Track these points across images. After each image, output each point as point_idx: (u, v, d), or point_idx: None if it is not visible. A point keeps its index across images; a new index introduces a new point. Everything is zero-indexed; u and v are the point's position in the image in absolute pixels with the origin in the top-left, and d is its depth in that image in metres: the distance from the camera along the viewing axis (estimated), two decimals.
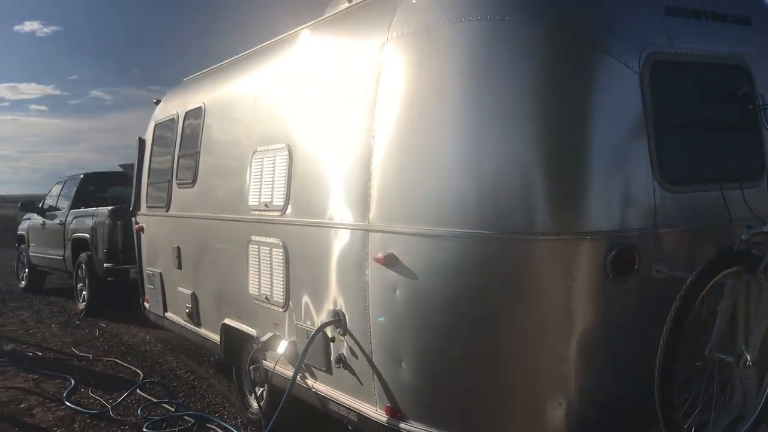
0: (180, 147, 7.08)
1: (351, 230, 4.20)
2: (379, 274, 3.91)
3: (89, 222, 10.98)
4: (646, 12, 3.71)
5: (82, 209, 11.64)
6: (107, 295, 10.81)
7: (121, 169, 11.81)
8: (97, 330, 9.82)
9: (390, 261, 3.81)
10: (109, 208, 10.63)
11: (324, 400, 4.55)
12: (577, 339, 3.43)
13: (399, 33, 3.99)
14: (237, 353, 5.88)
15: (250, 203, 5.41)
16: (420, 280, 3.72)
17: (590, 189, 3.43)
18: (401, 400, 3.87)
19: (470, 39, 3.68)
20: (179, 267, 6.95)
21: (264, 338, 5.15)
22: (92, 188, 12.62)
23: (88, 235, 10.95)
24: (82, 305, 11.20)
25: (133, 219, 8.48)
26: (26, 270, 13.96)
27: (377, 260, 3.87)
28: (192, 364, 7.86)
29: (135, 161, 8.43)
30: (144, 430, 5.66)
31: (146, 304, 8.19)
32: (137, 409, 6.13)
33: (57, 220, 12.34)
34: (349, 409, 4.27)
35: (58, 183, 13.49)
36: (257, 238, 5.28)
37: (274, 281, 5.05)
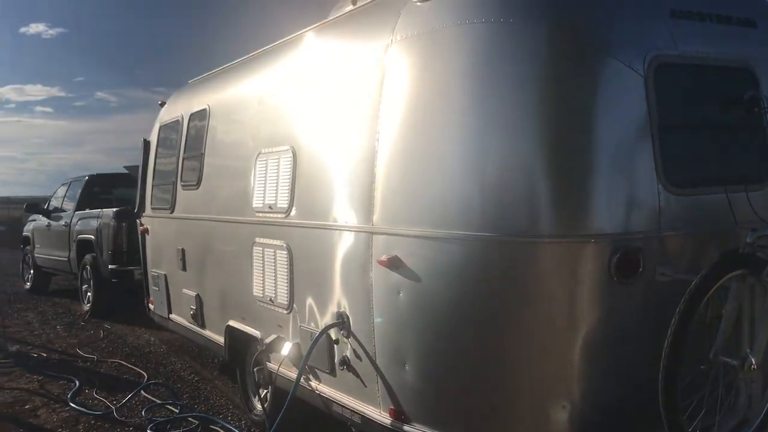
0: (185, 149, 7.09)
1: (355, 232, 4.20)
2: (383, 276, 3.91)
3: (94, 223, 11.01)
4: (651, 14, 3.70)
5: (87, 211, 11.66)
6: (112, 296, 10.82)
7: (125, 171, 11.84)
8: (101, 331, 9.83)
9: (394, 263, 3.81)
10: (114, 209, 10.65)
11: (327, 402, 4.55)
12: (581, 342, 3.42)
13: (403, 36, 4.00)
14: (241, 355, 5.88)
15: (254, 205, 5.42)
16: (424, 282, 3.72)
17: (594, 192, 3.42)
18: (405, 403, 3.86)
19: (474, 42, 3.68)
20: (184, 269, 6.96)
21: (268, 340, 5.15)
22: (97, 190, 12.64)
23: (93, 237, 10.97)
24: (86, 307, 11.22)
25: (137, 220, 8.49)
26: (31, 271, 13.99)
27: (381, 262, 3.87)
28: (196, 366, 7.86)
29: (140, 163, 8.45)
30: (148, 431, 5.67)
31: (151, 306, 8.20)
32: (141, 411, 6.14)
33: (62, 222, 12.36)
34: (353, 411, 4.26)
35: (63, 184, 13.51)
36: (261, 240, 5.29)
37: (278, 283, 5.05)
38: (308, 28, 5.40)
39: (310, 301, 4.69)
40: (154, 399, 6.49)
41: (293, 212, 4.88)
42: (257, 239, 5.34)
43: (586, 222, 3.40)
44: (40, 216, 13.45)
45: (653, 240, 3.49)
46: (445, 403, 3.78)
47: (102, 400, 6.51)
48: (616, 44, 3.53)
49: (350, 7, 5.06)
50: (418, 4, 3.98)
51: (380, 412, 4.03)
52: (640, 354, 3.46)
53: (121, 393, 6.64)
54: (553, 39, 3.53)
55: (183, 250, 6.93)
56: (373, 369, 4.04)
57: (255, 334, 5.44)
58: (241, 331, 5.70)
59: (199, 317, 6.66)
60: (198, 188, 6.63)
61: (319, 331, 4.45)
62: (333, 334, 4.40)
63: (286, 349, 4.89)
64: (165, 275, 7.54)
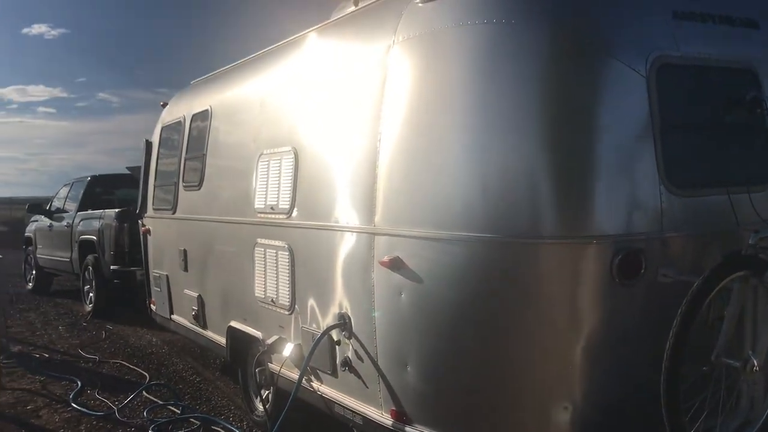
0: (187, 149, 7.10)
1: (357, 233, 4.20)
2: (385, 277, 3.90)
3: (96, 224, 11.02)
4: (653, 15, 3.70)
5: (89, 211, 11.68)
6: (114, 297, 10.84)
7: (128, 172, 11.85)
8: (103, 332, 9.84)
9: (396, 264, 3.80)
10: (116, 210, 10.67)
11: (329, 403, 4.55)
12: (582, 343, 3.41)
13: (405, 36, 3.99)
14: (243, 356, 5.89)
15: (256, 206, 5.42)
16: (426, 283, 3.71)
17: (596, 193, 3.42)
18: (406, 404, 3.86)
19: (476, 42, 3.68)
20: (185, 269, 6.96)
21: (270, 341, 5.15)
22: (99, 190, 12.67)
23: (95, 237, 10.99)
24: (88, 307, 11.24)
25: (139, 221, 8.50)
26: (33, 272, 14.01)
27: (383, 263, 3.87)
28: (198, 367, 7.87)
29: (142, 164, 8.46)
30: None
31: (153, 307, 8.21)
32: (143, 411, 6.14)
33: (64, 222, 12.38)
34: (355, 412, 4.26)
35: (65, 185, 13.54)
36: (263, 241, 5.29)
37: (279, 284, 5.05)
38: (310, 29, 5.40)
39: (311, 302, 4.69)
40: (155, 400, 6.50)
41: (295, 213, 4.88)
42: (259, 240, 5.34)
43: (588, 223, 3.40)
44: (43, 217, 13.47)
45: (655, 241, 3.49)
46: (447, 404, 3.77)
47: (104, 401, 6.51)
48: (617, 45, 3.52)
49: (352, 8, 5.06)
50: (420, 5, 3.98)
51: (382, 413, 4.03)
52: (642, 355, 3.45)
53: (123, 394, 6.64)
54: (554, 40, 3.53)
55: (185, 251, 6.94)
56: (375, 370, 4.04)
57: (256, 335, 5.44)
58: (243, 332, 5.70)
59: (200, 318, 6.66)
60: (200, 189, 6.63)
61: (321, 332, 4.45)
62: (335, 335, 4.40)
63: (288, 350, 4.89)
64: (167, 276, 7.55)
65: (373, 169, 4.01)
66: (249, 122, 5.84)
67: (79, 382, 7.01)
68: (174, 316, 7.50)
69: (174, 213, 7.27)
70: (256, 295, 5.39)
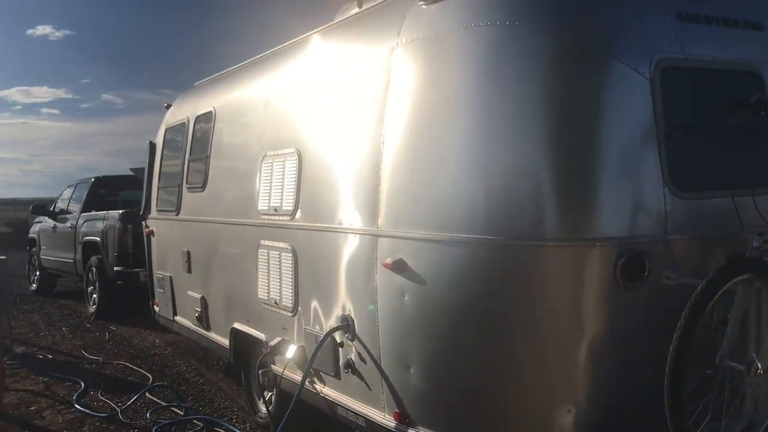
0: (190, 151, 7.11)
1: (360, 235, 4.20)
2: (388, 279, 3.90)
3: (100, 225, 11.04)
4: (657, 18, 3.69)
5: (93, 213, 11.70)
6: (117, 298, 10.85)
7: (131, 173, 11.88)
8: (107, 333, 9.85)
9: (399, 266, 3.80)
10: (120, 211, 10.68)
11: (332, 404, 4.54)
12: (586, 346, 3.41)
13: (409, 38, 3.99)
14: (246, 357, 5.89)
15: (259, 207, 5.42)
16: (429, 285, 3.71)
17: (600, 195, 3.41)
18: (409, 406, 3.86)
19: (480, 44, 3.68)
20: (189, 271, 6.97)
21: (273, 343, 5.15)
22: (103, 192, 12.69)
23: (98, 239, 11.00)
24: (92, 308, 11.25)
25: (143, 222, 8.51)
26: (37, 273, 14.04)
27: (386, 265, 3.87)
28: (201, 368, 7.87)
29: (146, 165, 8.47)
30: None
31: (156, 308, 8.22)
32: (146, 413, 6.15)
33: (68, 224, 12.40)
34: (357, 414, 4.26)
35: (69, 186, 13.56)
36: (266, 243, 5.29)
37: (283, 286, 5.05)
38: (314, 31, 5.41)
39: (314, 303, 4.69)
40: (159, 401, 6.50)
41: (298, 215, 4.88)
42: (262, 242, 5.35)
43: (592, 225, 3.39)
44: (46, 218, 13.50)
45: (659, 244, 3.48)
46: (450, 407, 3.77)
47: (107, 402, 6.52)
48: (622, 47, 3.52)
49: (356, 10, 5.07)
50: (424, 7, 3.98)
51: (385, 415, 4.03)
52: (646, 358, 3.44)
53: (126, 395, 6.65)
54: (559, 42, 3.52)
55: (188, 252, 6.94)
56: (378, 372, 4.04)
57: (260, 337, 5.44)
58: (246, 334, 5.70)
59: (204, 319, 6.67)
60: (203, 190, 6.64)
61: (324, 334, 4.45)
62: (338, 337, 4.40)
63: (291, 351, 4.89)
64: (170, 277, 7.55)
65: (377, 171, 4.01)
66: (253, 124, 5.84)
67: (82, 384, 7.02)
68: (177, 318, 7.51)
69: (177, 214, 7.28)
70: (260, 296, 5.39)
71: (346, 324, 4.29)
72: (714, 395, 3.41)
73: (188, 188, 7.05)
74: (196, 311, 6.74)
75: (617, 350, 3.45)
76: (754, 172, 3.81)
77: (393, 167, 3.93)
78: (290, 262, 4.95)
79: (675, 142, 3.52)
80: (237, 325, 5.87)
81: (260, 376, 5.53)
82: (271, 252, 5.22)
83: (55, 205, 13.58)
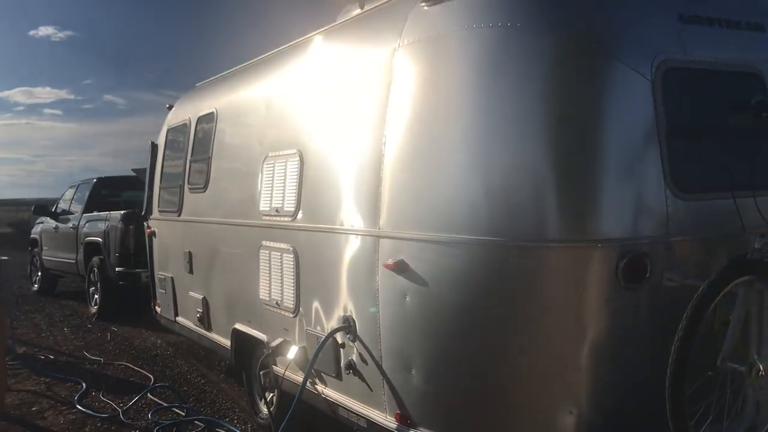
0: (192, 152, 7.11)
1: (361, 236, 4.20)
2: (389, 280, 3.90)
3: (102, 226, 11.05)
4: (659, 19, 3.69)
5: (95, 213, 11.71)
6: (119, 298, 10.86)
7: (133, 174, 11.89)
8: (108, 334, 9.86)
9: (400, 267, 3.80)
10: (122, 212, 10.69)
11: (333, 405, 4.54)
12: (587, 347, 3.41)
13: (410, 40, 4.00)
14: (247, 358, 5.89)
15: (261, 208, 5.43)
16: (430, 286, 3.71)
17: (602, 196, 3.41)
18: (411, 407, 3.86)
19: (481, 46, 3.68)
20: (190, 271, 6.98)
21: (274, 343, 5.15)
22: (105, 192, 12.69)
23: (100, 239, 11.01)
24: (94, 309, 11.26)
25: (145, 223, 8.52)
26: (39, 273, 14.05)
27: (387, 266, 3.87)
28: (202, 369, 7.87)
29: (147, 166, 8.48)
30: None
31: (157, 308, 8.22)
32: (148, 413, 6.15)
33: (70, 224, 12.41)
34: (359, 415, 4.26)
35: (71, 187, 13.57)
36: (268, 244, 5.29)
37: (284, 286, 5.06)
38: (316, 32, 5.41)
39: (316, 304, 4.69)
40: (160, 402, 6.50)
41: (300, 216, 4.88)
42: (264, 242, 5.35)
43: (593, 227, 3.39)
44: (48, 218, 13.51)
45: (660, 245, 3.48)
46: (451, 408, 3.77)
47: (109, 403, 6.52)
48: (623, 49, 3.52)
49: (358, 11, 5.07)
50: (426, 8, 3.98)
51: (386, 417, 4.03)
52: (647, 360, 3.44)
53: (128, 395, 6.65)
54: (560, 43, 3.52)
55: (190, 253, 6.95)
56: (379, 373, 4.04)
57: (261, 338, 5.45)
58: (248, 335, 5.70)
59: (205, 320, 6.67)
60: (205, 191, 6.64)
61: (326, 334, 4.45)
62: (339, 337, 4.40)
63: (292, 352, 4.90)
64: (172, 278, 7.56)
65: (378, 172, 4.01)
66: (254, 125, 5.85)
67: (84, 384, 7.03)
68: (179, 318, 7.51)
69: (179, 215, 7.29)
70: (261, 297, 5.39)
71: (348, 325, 4.30)
72: (715, 397, 3.40)
73: (190, 189, 7.06)
74: (198, 312, 6.74)
75: (619, 352, 3.45)
76: (756, 174, 3.80)
77: (394, 168, 3.94)
78: (292, 262, 4.95)
79: (676, 144, 3.52)
80: (238, 326, 5.88)
81: (261, 377, 5.54)
82: (272, 253, 5.23)
83: (57, 206, 13.59)
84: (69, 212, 12.83)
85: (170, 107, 8.28)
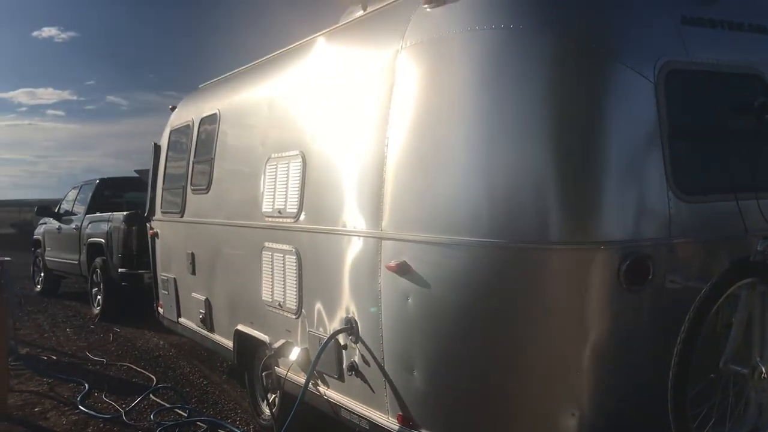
0: (195, 153, 7.12)
1: (364, 238, 4.20)
2: (392, 281, 3.90)
3: (104, 227, 11.06)
4: (662, 21, 3.69)
5: (98, 214, 11.73)
6: (122, 300, 10.87)
7: (136, 175, 11.90)
8: (111, 334, 9.87)
9: (402, 269, 3.80)
10: (124, 213, 10.71)
11: (336, 407, 4.55)
12: (590, 349, 3.40)
13: (413, 42, 4.00)
14: (250, 359, 5.89)
15: (263, 210, 5.43)
16: (432, 288, 3.71)
17: (604, 198, 3.41)
18: (413, 409, 3.86)
19: (483, 48, 3.68)
20: (193, 272, 6.98)
21: (276, 345, 5.16)
22: (108, 193, 12.71)
23: (103, 240, 11.03)
24: (96, 310, 11.27)
25: (147, 224, 8.53)
26: (42, 274, 14.07)
27: (390, 268, 3.87)
28: (205, 370, 7.88)
29: (150, 167, 8.49)
30: None
31: (160, 310, 8.23)
32: (150, 414, 6.15)
33: (73, 225, 12.43)
34: (361, 416, 4.26)
35: (74, 188, 13.59)
36: (270, 245, 5.30)
37: (287, 288, 5.06)
38: (318, 34, 5.42)
39: (318, 306, 4.69)
40: (162, 403, 6.51)
41: (302, 217, 4.89)
42: (266, 244, 5.35)
43: (596, 228, 3.39)
44: (51, 219, 13.53)
45: (663, 247, 3.48)
46: (453, 410, 3.77)
47: (111, 404, 6.53)
48: (625, 50, 3.52)
49: (360, 13, 5.08)
50: (428, 10, 3.98)
51: (388, 418, 4.03)
52: (649, 362, 3.44)
53: (130, 396, 6.66)
54: (562, 45, 3.53)
55: (192, 254, 6.96)
56: (382, 375, 4.04)
57: (263, 339, 5.45)
58: (250, 336, 5.71)
59: (207, 321, 6.68)
60: (208, 192, 6.65)
61: (328, 336, 4.45)
62: (341, 339, 4.40)
63: (295, 354, 4.90)
64: (174, 279, 7.57)
65: (381, 174, 4.02)
66: (257, 126, 5.85)
67: (86, 385, 7.03)
68: (181, 319, 7.52)
69: (182, 216, 7.30)
70: (263, 298, 5.40)
71: (350, 326, 4.30)
72: (718, 399, 3.40)
73: (192, 190, 7.06)
74: (200, 313, 6.75)
75: (621, 354, 3.45)
76: (759, 176, 3.80)
77: (397, 170, 3.94)
78: (294, 264, 4.95)
79: (679, 146, 3.52)
80: (241, 327, 5.88)
81: (264, 378, 5.54)
82: (275, 254, 5.23)
83: (59, 207, 13.61)
84: (72, 213, 12.86)
85: (173, 108, 8.29)
